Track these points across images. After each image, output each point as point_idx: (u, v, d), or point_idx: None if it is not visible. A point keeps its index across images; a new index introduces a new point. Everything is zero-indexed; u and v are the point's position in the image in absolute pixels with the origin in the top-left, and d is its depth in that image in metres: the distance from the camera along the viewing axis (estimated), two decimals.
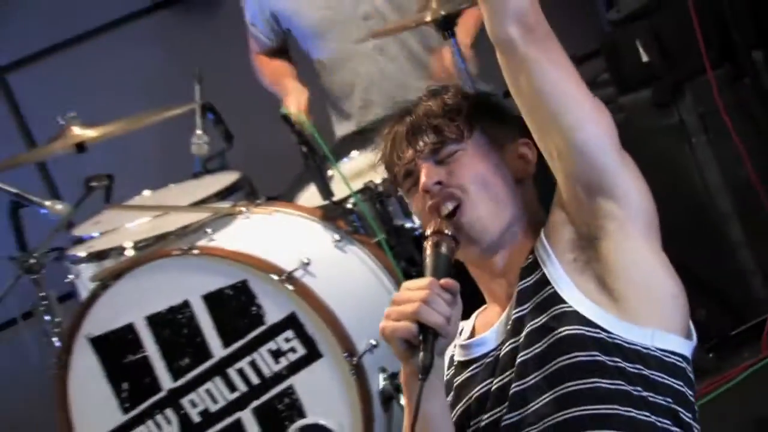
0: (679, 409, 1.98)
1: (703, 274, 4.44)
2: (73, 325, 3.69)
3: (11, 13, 5.53)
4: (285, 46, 4.63)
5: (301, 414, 3.57)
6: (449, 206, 2.00)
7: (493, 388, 2.04)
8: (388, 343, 1.90)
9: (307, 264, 3.51)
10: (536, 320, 1.98)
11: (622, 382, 1.94)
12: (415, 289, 1.87)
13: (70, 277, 3.99)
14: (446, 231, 1.93)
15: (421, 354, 1.84)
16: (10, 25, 5.49)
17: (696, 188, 4.44)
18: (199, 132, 4.30)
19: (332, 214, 3.61)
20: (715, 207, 4.40)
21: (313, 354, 3.51)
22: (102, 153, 4.18)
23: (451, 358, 2.11)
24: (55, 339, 3.94)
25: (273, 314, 3.51)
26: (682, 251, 4.11)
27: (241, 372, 3.60)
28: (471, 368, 2.08)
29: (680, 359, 2.01)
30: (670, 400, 1.97)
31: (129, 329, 3.67)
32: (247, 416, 3.63)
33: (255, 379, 3.60)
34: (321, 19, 4.38)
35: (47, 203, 3.95)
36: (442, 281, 1.87)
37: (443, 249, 1.92)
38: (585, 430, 1.93)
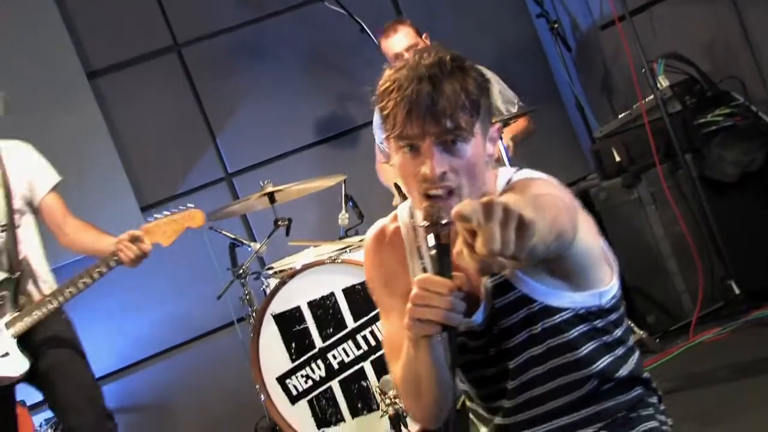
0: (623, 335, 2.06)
1: (651, 292, 4.81)
2: (263, 307, 4.39)
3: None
4: None
5: None
6: (443, 194, 1.87)
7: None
8: (409, 327, 1.79)
9: None
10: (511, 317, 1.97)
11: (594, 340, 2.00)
12: (436, 292, 1.72)
13: (264, 286, 4.63)
14: (444, 220, 1.75)
15: (450, 356, 1.81)
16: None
17: (647, 238, 4.80)
18: (343, 211, 4.97)
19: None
20: (659, 250, 4.77)
21: None
22: (274, 213, 4.71)
23: None
24: (252, 316, 4.58)
25: None
26: (638, 278, 4.73)
27: (364, 337, 4.27)
28: None
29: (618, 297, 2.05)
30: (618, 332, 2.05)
31: (297, 310, 4.35)
32: (367, 365, 4.29)
33: (373, 342, 4.26)
34: None
35: (252, 244, 4.73)
36: (458, 283, 1.74)
37: (445, 240, 1.76)
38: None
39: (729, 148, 4.58)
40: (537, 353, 2.00)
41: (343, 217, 4.99)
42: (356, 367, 4.35)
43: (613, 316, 2.04)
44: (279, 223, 4.66)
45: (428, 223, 1.77)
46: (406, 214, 2.21)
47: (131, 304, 5.71)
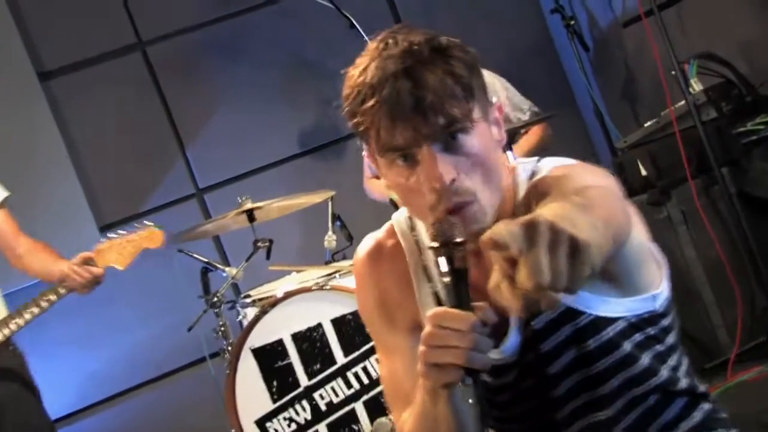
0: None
1: (684, 325, 4.67)
2: (241, 340, 4.39)
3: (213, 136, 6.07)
4: None
5: None
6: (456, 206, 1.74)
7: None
8: (425, 375, 1.63)
9: None
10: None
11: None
12: (454, 329, 1.57)
13: (240, 316, 4.68)
14: (458, 238, 1.63)
15: (477, 408, 1.69)
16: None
17: (678, 262, 4.66)
18: (330, 233, 4.94)
19: None
20: (692, 276, 4.69)
21: None
22: (255, 233, 4.70)
23: None
24: (227, 350, 4.56)
25: None
26: None
27: (356, 375, 4.29)
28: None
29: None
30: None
31: (279, 343, 4.37)
32: (359, 407, 4.30)
33: (365, 380, 4.28)
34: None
35: (227, 269, 4.72)
36: (480, 315, 1.60)
37: (460, 263, 1.62)
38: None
39: None
40: (591, 374, 1.87)
41: (330, 239, 4.96)
42: (347, 409, 4.37)
43: (666, 322, 1.94)
44: (259, 244, 4.63)
45: (439, 244, 1.65)
46: (404, 224, 2.06)
47: (88, 336, 5.68)
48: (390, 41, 1.78)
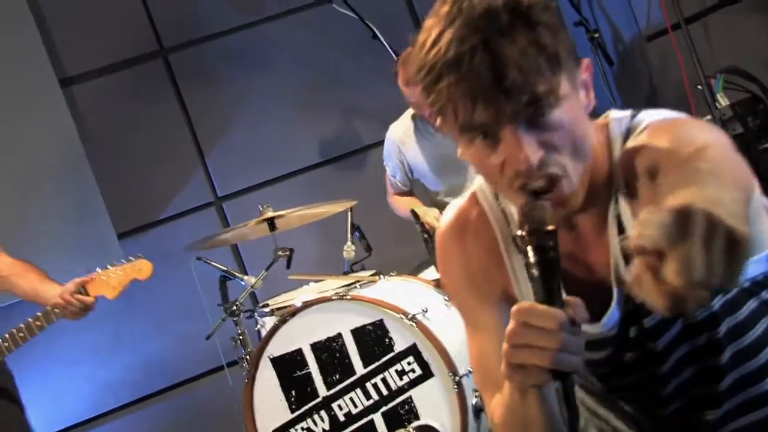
0: None
1: None
2: (260, 349, 4.36)
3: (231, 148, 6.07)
4: (411, 188, 5.34)
5: (417, 417, 4.12)
6: (545, 186, 1.60)
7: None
8: (509, 377, 1.52)
9: (425, 311, 4.13)
10: None
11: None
12: (541, 327, 1.44)
13: (259, 325, 4.62)
14: (549, 226, 1.49)
15: (566, 412, 1.52)
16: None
17: None
18: (349, 243, 4.89)
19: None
20: None
21: (427, 374, 4.07)
22: (276, 242, 4.67)
23: None
24: (246, 359, 4.53)
25: (400, 344, 4.11)
26: None
27: (375, 385, 4.24)
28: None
29: None
30: None
31: (298, 352, 4.33)
32: (377, 418, 4.25)
33: (384, 391, 4.23)
34: (436, 164, 5.02)
35: (246, 277, 4.71)
36: (571, 312, 1.46)
37: (551, 254, 1.49)
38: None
39: None
40: (700, 344, 1.71)
41: (349, 249, 4.91)
42: (365, 420, 4.30)
43: None
44: (280, 253, 4.58)
45: (527, 231, 1.49)
46: (488, 192, 1.91)
47: (106, 343, 5.65)
48: (465, 3, 1.58)
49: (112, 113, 5.90)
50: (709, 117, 4.59)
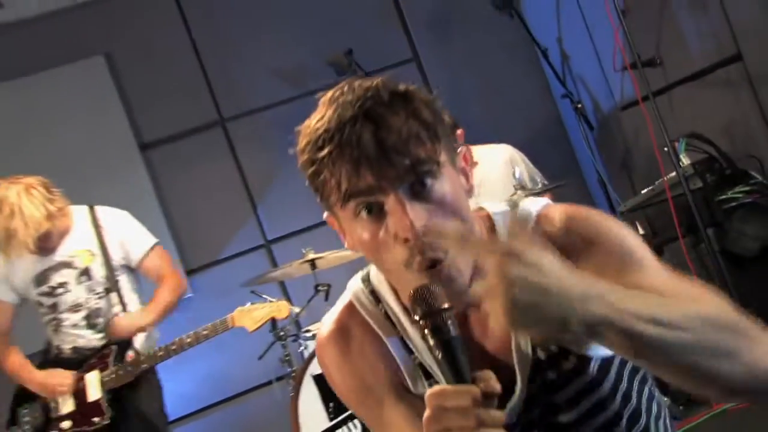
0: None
1: None
2: (303, 368, 4.39)
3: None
4: None
5: None
6: (435, 259, 1.39)
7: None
8: None
9: None
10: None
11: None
12: (456, 407, 1.22)
13: (302, 347, 4.64)
14: (442, 304, 1.28)
15: None
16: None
17: None
18: None
19: None
20: None
21: None
22: (316, 278, 4.72)
23: None
24: (292, 376, 4.54)
25: None
26: None
27: None
28: None
29: None
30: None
31: None
32: None
33: None
34: None
35: (291, 308, 4.56)
36: (483, 385, 1.24)
37: (450, 333, 1.27)
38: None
39: (749, 223, 4.46)
40: (609, 416, 1.52)
41: None
42: None
43: None
44: (319, 288, 4.63)
45: (421, 315, 1.28)
46: (366, 300, 1.66)
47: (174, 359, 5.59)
48: (346, 88, 1.45)
49: (181, 172, 5.97)
50: (673, 174, 4.60)
